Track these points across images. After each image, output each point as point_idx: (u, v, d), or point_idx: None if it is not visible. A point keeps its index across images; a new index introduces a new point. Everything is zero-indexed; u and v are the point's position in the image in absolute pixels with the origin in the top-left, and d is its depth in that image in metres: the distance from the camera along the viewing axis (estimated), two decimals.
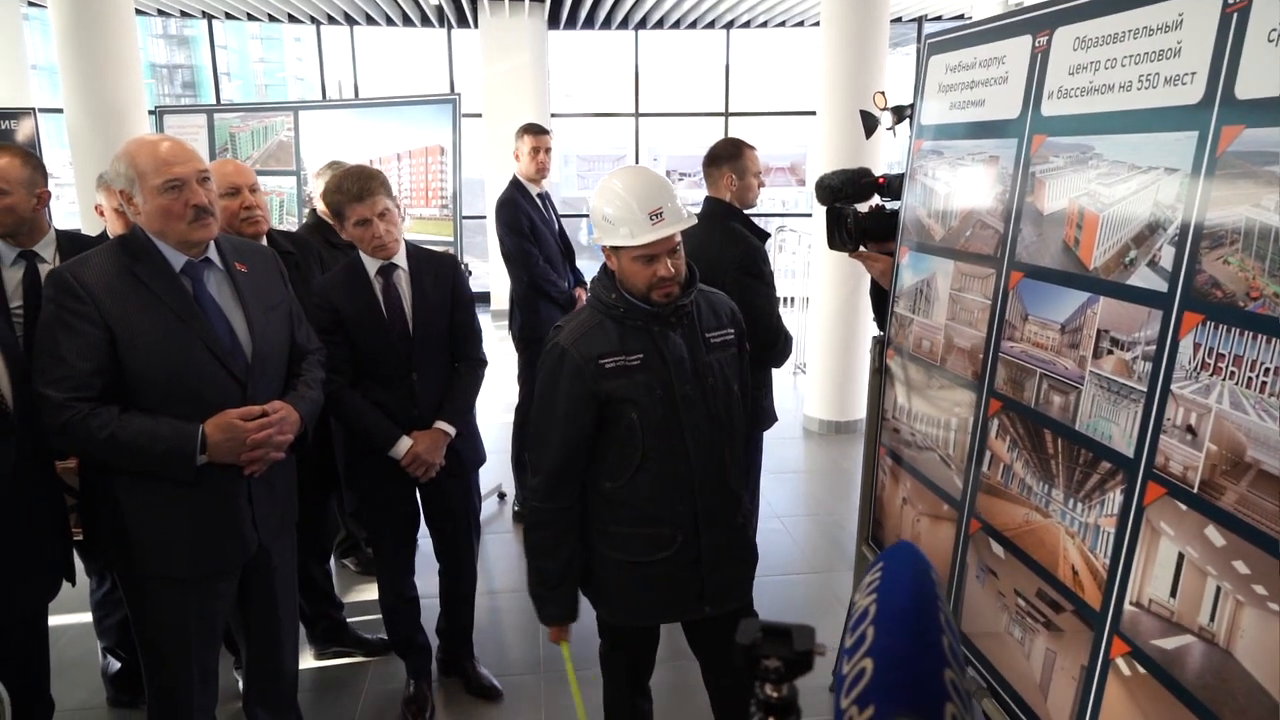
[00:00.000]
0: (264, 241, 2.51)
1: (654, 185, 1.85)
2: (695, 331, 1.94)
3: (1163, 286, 1.40)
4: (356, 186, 2.37)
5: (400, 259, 2.50)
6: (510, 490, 4.40)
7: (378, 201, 2.38)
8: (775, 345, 2.80)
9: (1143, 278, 1.45)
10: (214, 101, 10.17)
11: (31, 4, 7.91)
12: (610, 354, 1.86)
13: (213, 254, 1.95)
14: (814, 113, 5.29)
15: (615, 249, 1.86)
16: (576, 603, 2.02)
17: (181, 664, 1.98)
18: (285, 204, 5.05)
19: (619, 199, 1.83)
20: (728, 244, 2.83)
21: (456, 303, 2.59)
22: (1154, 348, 1.41)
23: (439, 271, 2.57)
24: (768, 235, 3.00)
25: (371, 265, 2.48)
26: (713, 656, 2.15)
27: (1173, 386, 1.36)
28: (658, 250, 1.82)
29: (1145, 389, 1.42)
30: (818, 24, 5.24)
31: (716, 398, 1.95)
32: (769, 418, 3.05)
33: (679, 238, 1.86)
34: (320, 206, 3.39)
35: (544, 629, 2.09)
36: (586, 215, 3.94)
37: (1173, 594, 1.35)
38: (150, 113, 5.57)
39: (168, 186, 1.81)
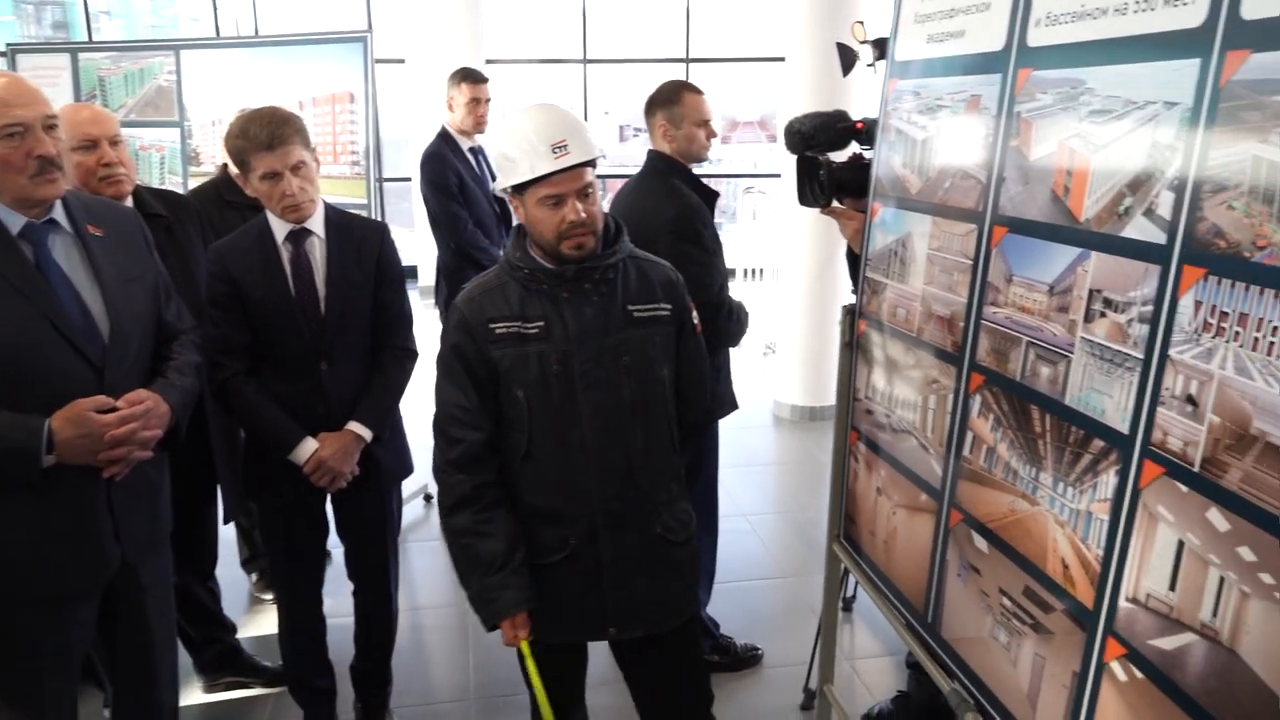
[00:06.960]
0: (129, 203, 2.41)
1: (558, 117, 1.85)
2: (615, 301, 1.92)
3: (1161, 238, 1.38)
4: (265, 133, 2.24)
5: (316, 224, 2.40)
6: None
7: (291, 152, 2.27)
8: (715, 321, 2.77)
9: (1139, 229, 1.43)
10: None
11: None
12: (504, 319, 1.87)
13: (59, 214, 1.86)
14: (783, 58, 5.26)
15: (520, 194, 1.86)
16: (532, 585, 1.92)
17: (32, 703, 1.89)
18: (167, 160, 4.86)
19: (519, 134, 1.83)
20: (662, 203, 2.79)
21: (383, 280, 2.48)
22: (1151, 308, 1.40)
23: (363, 241, 2.46)
24: (716, 194, 2.96)
25: (280, 229, 2.36)
26: (641, 678, 2.14)
27: (1171, 351, 1.35)
28: (564, 189, 1.81)
29: (1141, 355, 1.41)
30: None
31: (631, 380, 1.92)
32: (726, 404, 3.03)
33: (591, 180, 1.85)
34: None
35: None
36: None
37: (1171, 587, 1.35)
38: (1, 53, 5.36)
39: (6, 133, 1.73)
